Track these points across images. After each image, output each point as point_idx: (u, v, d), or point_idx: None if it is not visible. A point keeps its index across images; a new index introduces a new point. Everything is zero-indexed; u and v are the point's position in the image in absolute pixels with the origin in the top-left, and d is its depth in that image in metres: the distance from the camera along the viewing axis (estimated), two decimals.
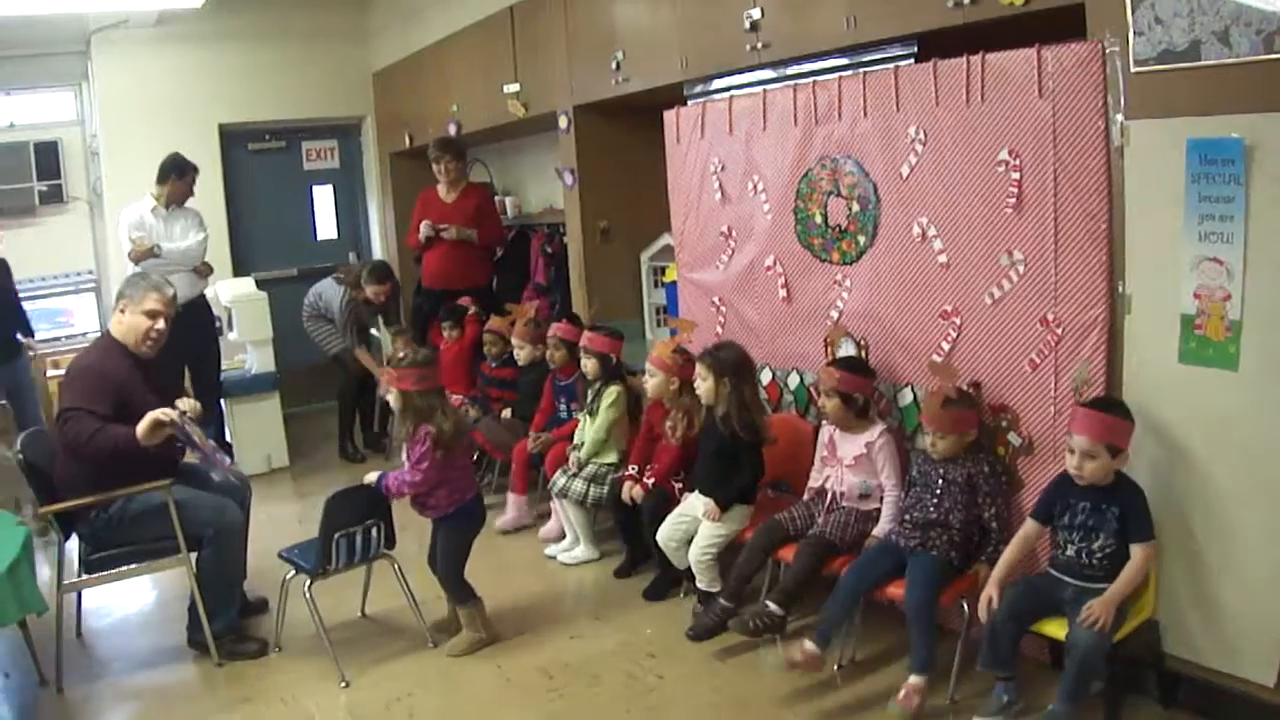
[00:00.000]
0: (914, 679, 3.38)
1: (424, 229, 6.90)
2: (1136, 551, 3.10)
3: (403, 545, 4.28)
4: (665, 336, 5.14)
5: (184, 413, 3.91)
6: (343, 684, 3.92)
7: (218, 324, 7.07)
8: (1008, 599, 3.22)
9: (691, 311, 5.05)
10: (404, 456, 4.05)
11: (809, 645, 3.53)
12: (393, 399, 4.04)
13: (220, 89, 8.24)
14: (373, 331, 7.33)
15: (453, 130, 7.31)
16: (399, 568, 4.23)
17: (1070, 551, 3.21)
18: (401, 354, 4.10)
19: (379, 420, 7.50)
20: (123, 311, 4.14)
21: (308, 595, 4.02)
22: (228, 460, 4.10)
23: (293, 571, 4.11)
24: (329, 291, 7.20)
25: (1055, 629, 3.18)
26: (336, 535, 3.97)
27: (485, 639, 4.17)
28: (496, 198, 7.83)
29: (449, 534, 4.11)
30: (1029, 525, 3.34)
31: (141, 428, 3.82)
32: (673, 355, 4.46)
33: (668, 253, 5.62)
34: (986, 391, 3.67)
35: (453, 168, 6.94)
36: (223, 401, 6.98)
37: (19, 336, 6.39)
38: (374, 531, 4.09)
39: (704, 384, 4.11)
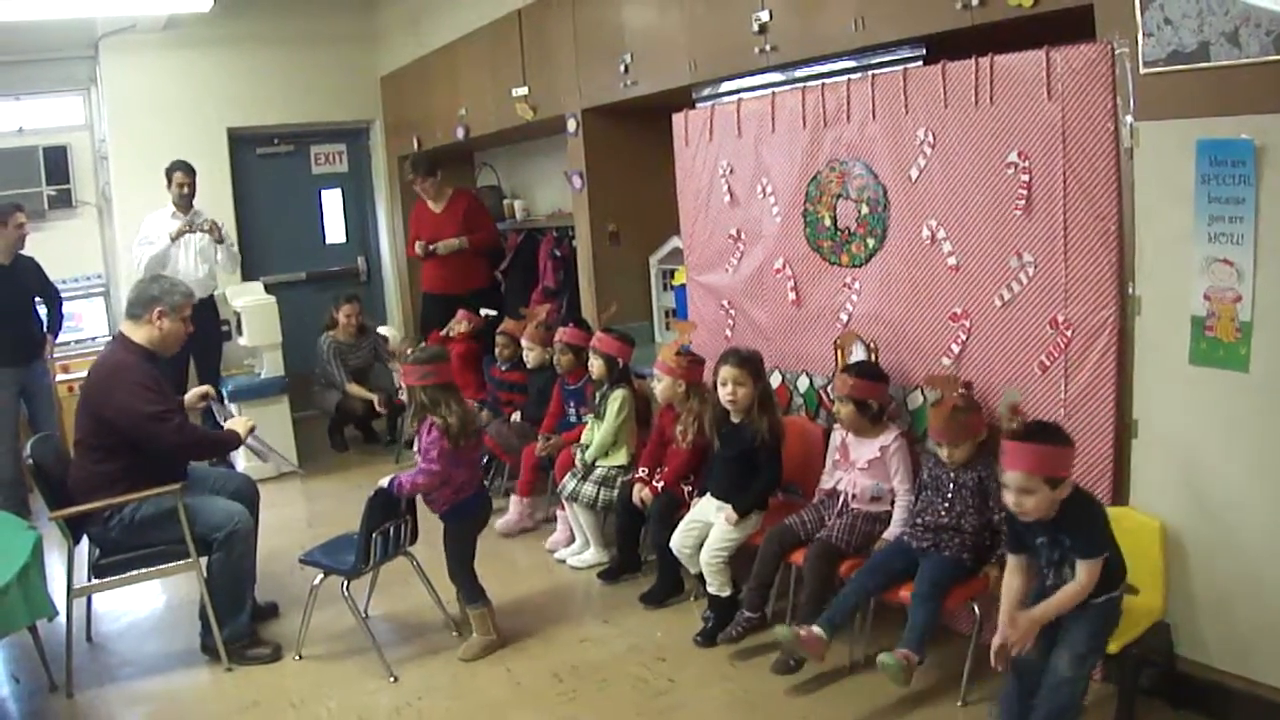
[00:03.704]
0: (904, 650, 3.37)
1: (418, 249, 7.18)
2: (1080, 568, 2.85)
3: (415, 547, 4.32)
4: (673, 339, 5.13)
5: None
6: (372, 686, 3.94)
7: (225, 327, 7.33)
8: (1019, 674, 3.02)
9: (701, 314, 5.05)
10: (416, 450, 4.10)
11: (816, 629, 3.54)
12: (406, 396, 4.14)
13: (228, 93, 8.25)
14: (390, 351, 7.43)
15: (460, 134, 7.33)
16: (419, 563, 4.31)
17: (1050, 582, 2.96)
18: (410, 350, 4.17)
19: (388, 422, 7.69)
20: (159, 316, 4.17)
21: (347, 594, 4.03)
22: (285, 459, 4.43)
23: (320, 575, 4.10)
24: (320, 346, 7.46)
25: None
26: (375, 533, 4.00)
27: (497, 641, 4.17)
28: (505, 201, 7.87)
29: (447, 531, 4.16)
30: (1010, 561, 3.06)
31: (243, 431, 4.32)
32: (676, 358, 4.45)
33: (677, 255, 5.62)
34: (994, 392, 3.66)
35: (428, 184, 7.18)
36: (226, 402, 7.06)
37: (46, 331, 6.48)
38: (403, 528, 4.17)
39: (743, 389, 4.04)
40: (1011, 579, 3.03)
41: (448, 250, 7.04)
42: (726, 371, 4.08)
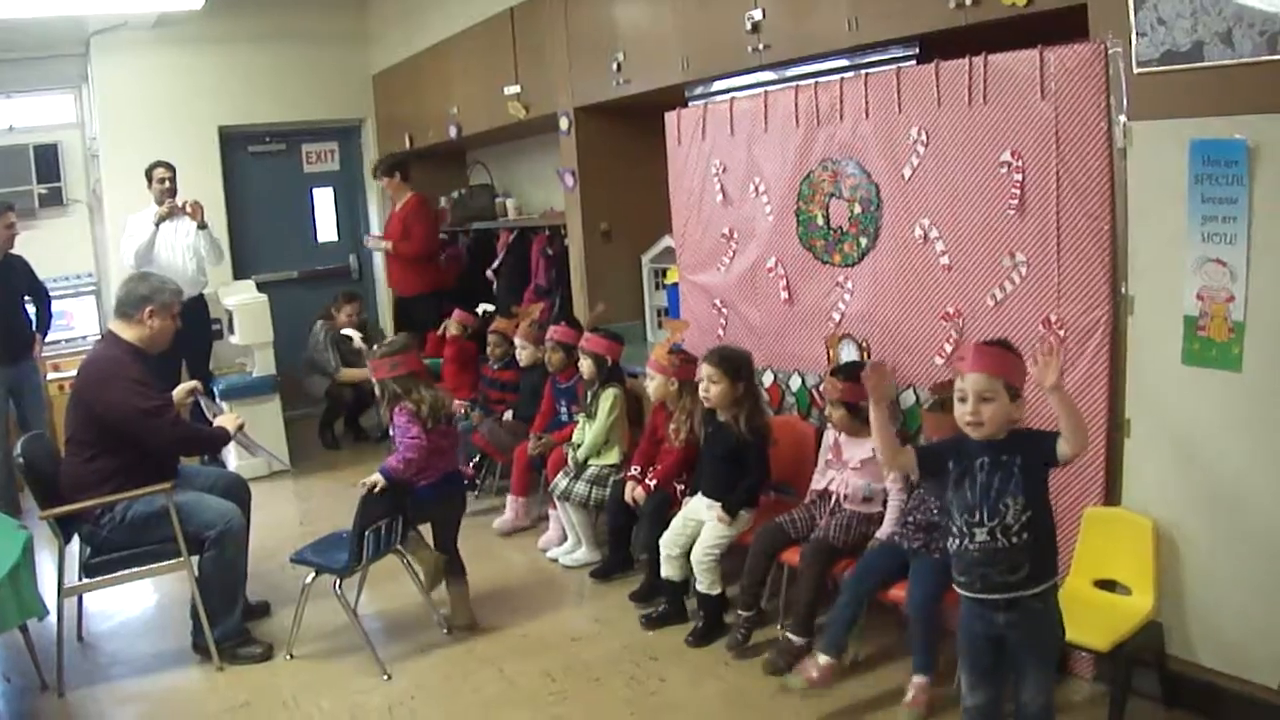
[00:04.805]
0: (918, 679, 3.39)
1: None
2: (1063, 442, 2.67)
3: None
4: (666, 338, 5.13)
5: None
6: (364, 684, 3.94)
7: (216, 325, 7.33)
8: (971, 688, 2.85)
9: (693, 313, 5.05)
10: (393, 439, 4.21)
11: (823, 659, 3.50)
12: (377, 390, 4.30)
13: (220, 91, 8.22)
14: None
15: (452, 133, 7.33)
16: (409, 560, 4.32)
17: (982, 536, 2.68)
18: (375, 346, 4.44)
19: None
20: (150, 315, 4.18)
21: (339, 593, 4.02)
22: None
23: (312, 574, 4.09)
24: (315, 333, 7.62)
25: None
26: (367, 531, 4.01)
27: (434, 554, 4.26)
28: (497, 199, 7.87)
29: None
30: (907, 451, 2.93)
31: (231, 427, 4.37)
32: (669, 356, 4.45)
33: (669, 255, 5.62)
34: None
35: (387, 184, 7.58)
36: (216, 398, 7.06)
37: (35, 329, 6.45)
38: (394, 525, 4.17)
39: (717, 387, 4.04)
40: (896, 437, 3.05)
41: (374, 248, 7.67)
42: (703, 369, 4.11)
